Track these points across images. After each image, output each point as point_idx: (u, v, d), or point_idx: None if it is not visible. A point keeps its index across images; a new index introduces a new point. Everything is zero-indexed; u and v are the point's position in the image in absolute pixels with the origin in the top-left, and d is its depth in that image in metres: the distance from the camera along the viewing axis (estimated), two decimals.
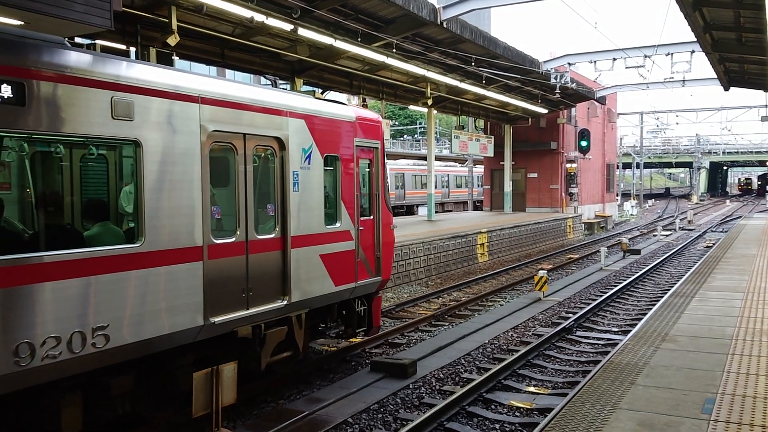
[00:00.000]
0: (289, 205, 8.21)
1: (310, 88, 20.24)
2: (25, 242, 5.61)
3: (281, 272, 8.14)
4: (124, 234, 6.37)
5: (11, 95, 5.19)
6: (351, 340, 11.00)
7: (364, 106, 19.77)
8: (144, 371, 6.75)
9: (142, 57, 12.65)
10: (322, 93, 20.59)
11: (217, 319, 7.09)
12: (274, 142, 8.05)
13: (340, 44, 15.08)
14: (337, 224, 9.25)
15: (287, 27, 13.51)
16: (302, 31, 13.89)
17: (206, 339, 7.12)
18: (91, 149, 6.24)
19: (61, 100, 5.57)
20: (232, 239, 7.41)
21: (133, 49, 12.69)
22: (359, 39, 15.49)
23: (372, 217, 10.16)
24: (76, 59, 5.79)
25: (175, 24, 11.91)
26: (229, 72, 26.73)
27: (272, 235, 8.03)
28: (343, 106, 9.74)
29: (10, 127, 5.25)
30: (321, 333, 10.03)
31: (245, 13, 12.55)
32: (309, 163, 8.59)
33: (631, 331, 10.83)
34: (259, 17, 12.75)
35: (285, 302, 8.17)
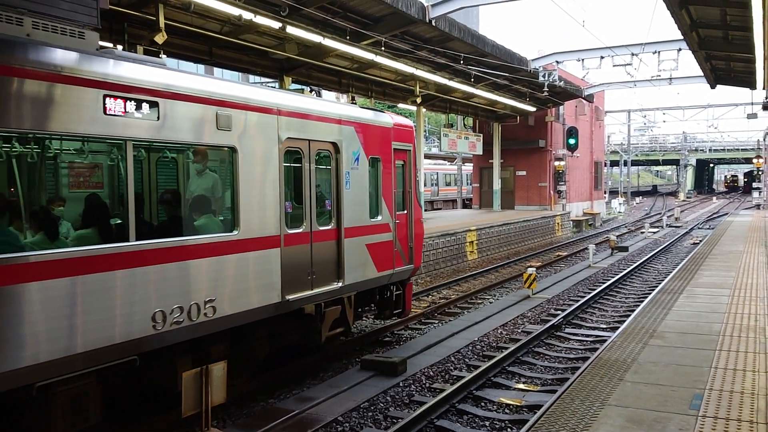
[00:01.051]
0: (342, 201, 9.52)
1: (298, 87, 20.18)
2: (158, 230, 6.97)
3: (336, 259, 9.44)
4: (222, 224, 7.60)
5: (149, 112, 6.51)
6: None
7: (353, 104, 19.79)
8: (231, 341, 8.03)
9: None
10: (311, 92, 20.54)
11: (291, 297, 8.39)
12: (331, 147, 9.35)
13: (328, 42, 15.04)
14: (379, 218, 10.54)
15: (275, 25, 13.45)
16: (290, 29, 13.84)
17: (278, 315, 8.36)
18: (203, 155, 7.50)
19: (183, 114, 6.90)
20: (301, 230, 8.73)
21: (119, 48, 12.61)
22: (348, 37, 15.45)
23: (406, 212, 11.46)
24: (193, 81, 7.18)
25: (162, 22, 11.83)
26: (216, 70, 26.62)
27: (329, 227, 9.35)
28: (382, 114, 11.08)
29: (150, 136, 6.59)
30: (359, 315, 11.27)
31: (233, 11, 12.49)
32: (357, 164, 9.92)
33: (619, 327, 10.88)
34: (247, 15, 12.68)
35: (340, 284, 9.46)
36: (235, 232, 7.53)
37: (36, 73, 5.58)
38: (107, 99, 6.10)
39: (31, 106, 5.55)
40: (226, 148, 7.49)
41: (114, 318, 6.13)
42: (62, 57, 5.87)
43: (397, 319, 12.14)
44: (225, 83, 7.72)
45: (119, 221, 6.44)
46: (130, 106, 6.32)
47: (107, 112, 6.09)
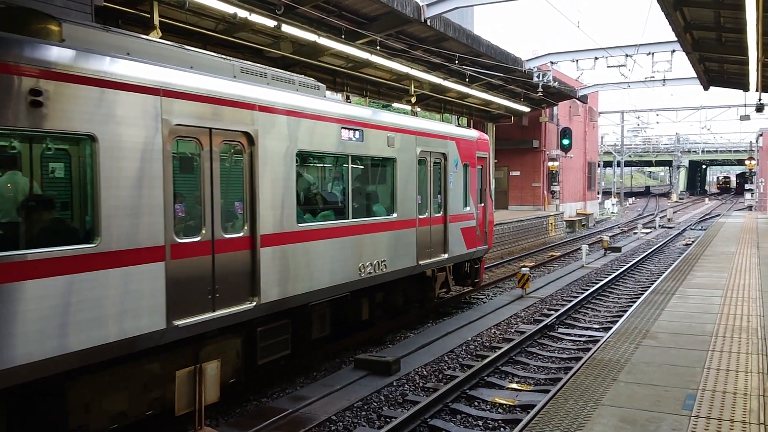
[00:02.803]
0: (448, 195, 13.10)
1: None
2: (359, 212, 10.40)
3: (444, 238, 12.95)
4: (387, 209, 11.11)
5: (358, 137, 10.10)
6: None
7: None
8: (384, 292, 11.68)
9: None
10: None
11: (422, 263, 12.01)
12: (441, 156, 12.97)
13: (323, 41, 15.01)
14: (468, 209, 14.10)
15: (270, 23, 13.41)
16: (286, 28, 13.80)
17: (411, 275, 11.99)
18: (379, 163, 11.21)
19: (374, 137, 10.54)
20: (425, 215, 12.27)
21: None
22: (343, 36, 15.43)
23: (483, 204, 15.01)
24: (377, 114, 11.06)
25: (157, 19, 11.76)
26: None
27: (440, 214, 12.89)
28: (471, 130, 15.14)
29: (358, 152, 10.22)
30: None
31: (228, 9, 12.44)
32: (456, 168, 13.51)
33: (612, 328, 10.92)
34: (242, 13, 12.64)
35: (446, 256, 13.01)
36: (394, 215, 11.15)
37: (309, 114, 8.94)
38: (342, 130, 9.66)
39: (312, 133, 9.06)
40: (391, 159, 11.11)
41: (342, 267, 9.66)
42: (323, 104, 9.36)
43: (472, 288, 15.97)
44: (391, 114, 11.77)
45: (342, 206, 10.03)
46: (351, 133, 9.87)
47: (341, 138, 9.66)
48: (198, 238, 7.08)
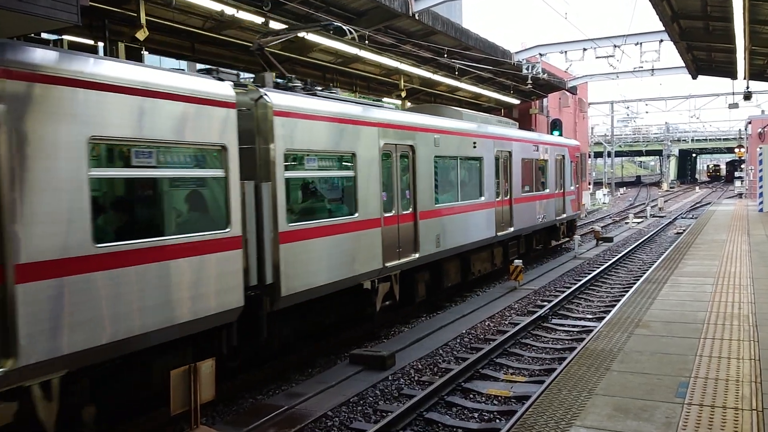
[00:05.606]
0: (565, 179, 22.01)
1: (282, 81, 20.01)
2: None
3: (563, 204, 21.78)
4: (544, 187, 20.36)
5: (537, 149, 19.59)
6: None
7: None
8: (538, 234, 20.38)
9: (111, 52, 12.42)
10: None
11: (557, 218, 21.56)
12: (562, 156, 21.84)
13: (312, 37, 14.97)
14: (571, 187, 22.80)
15: (258, 20, 13.36)
16: (273, 24, 13.75)
17: (548, 227, 21.10)
18: (543, 162, 20.27)
19: (543, 149, 20.10)
20: (557, 191, 21.25)
21: (101, 44, 12.47)
22: (331, 31, 15.38)
23: (578, 185, 23.90)
24: (540, 137, 20.75)
25: (143, 18, 11.68)
26: (199, 66, 26.26)
27: (561, 191, 21.61)
28: (572, 139, 25.32)
29: (537, 156, 19.72)
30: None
31: (215, 6, 12.38)
32: (568, 162, 22.32)
33: (605, 317, 10.96)
34: (229, 10, 12.57)
35: (565, 216, 22.08)
36: (547, 191, 20.01)
37: (523, 140, 18.68)
38: (532, 146, 19.02)
39: (525, 150, 18.55)
40: (546, 160, 20.01)
41: (533, 216, 18.91)
42: (525, 134, 19.28)
43: (568, 239, 23.54)
44: (546, 135, 22.20)
45: (533, 184, 18.94)
46: (534, 147, 19.22)
47: (533, 150, 19.27)
48: (499, 198, 16.16)
